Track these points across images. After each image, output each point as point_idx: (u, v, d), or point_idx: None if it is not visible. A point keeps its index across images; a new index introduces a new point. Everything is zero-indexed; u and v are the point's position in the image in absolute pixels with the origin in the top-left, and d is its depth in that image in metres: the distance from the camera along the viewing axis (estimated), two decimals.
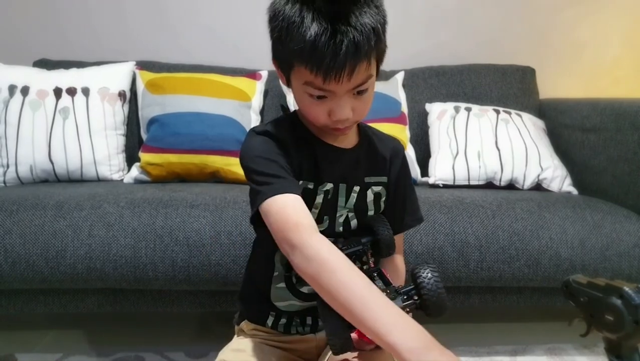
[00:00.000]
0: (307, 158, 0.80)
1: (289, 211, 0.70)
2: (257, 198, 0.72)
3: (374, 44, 0.69)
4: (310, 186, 0.80)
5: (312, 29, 0.65)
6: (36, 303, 1.24)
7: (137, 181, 1.54)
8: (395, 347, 0.56)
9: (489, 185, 1.61)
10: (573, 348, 1.39)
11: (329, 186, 0.82)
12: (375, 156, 0.88)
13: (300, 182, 0.79)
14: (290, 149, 0.78)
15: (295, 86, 0.75)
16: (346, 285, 0.62)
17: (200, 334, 1.49)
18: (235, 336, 0.92)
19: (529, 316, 1.59)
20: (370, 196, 0.86)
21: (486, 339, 1.44)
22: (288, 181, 0.73)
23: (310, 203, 0.80)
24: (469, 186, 1.60)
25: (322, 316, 0.65)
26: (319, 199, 0.81)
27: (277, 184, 0.72)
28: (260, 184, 0.73)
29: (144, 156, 1.54)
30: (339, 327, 0.63)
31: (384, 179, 0.88)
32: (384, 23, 0.71)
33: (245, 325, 0.91)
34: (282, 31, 0.69)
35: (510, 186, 1.62)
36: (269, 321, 0.87)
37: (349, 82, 0.69)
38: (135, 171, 1.55)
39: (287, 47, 0.70)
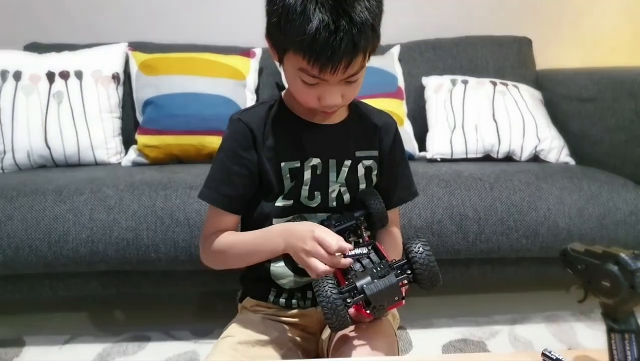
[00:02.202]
0: (287, 139, 0.83)
1: (208, 224, 0.87)
2: (203, 190, 0.85)
3: (370, 40, 0.70)
4: (297, 164, 0.83)
5: (314, 22, 0.65)
6: (41, 287, 1.25)
7: (135, 164, 1.54)
8: (278, 253, 0.79)
9: (487, 158, 1.62)
10: (571, 315, 1.42)
11: (316, 161, 0.83)
12: (366, 130, 0.89)
13: (283, 163, 0.83)
14: (265, 135, 0.83)
15: (288, 68, 0.76)
16: (233, 248, 0.83)
17: (204, 312, 1.51)
18: (239, 313, 0.94)
19: (528, 286, 1.62)
20: (361, 170, 0.87)
21: (486, 309, 1.46)
22: (221, 193, 0.83)
23: (299, 180, 0.83)
24: (466, 160, 1.60)
25: (317, 295, 0.66)
26: (307, 175, 0.83)
27: (215, 192, 0.84)
28: (209, 180, 0.85)
29: (141, 139, 1.53)
30: (335, 305, 0.64)
31: (375, 153, 0.89)
32: (381, 16, 0.72)
33: (247, 301, 0.92)
34: (281, 17, 0.69)
35: (508, 158, 1.62)
36: (271, 297, 0.88)
37: (344, 74, 0.71)
38: (132, 154, 1.55)
39: (285, 34, 0.70)
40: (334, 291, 0.65)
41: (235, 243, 0.84)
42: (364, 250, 0.74)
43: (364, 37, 0.68)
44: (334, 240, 0.72)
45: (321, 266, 0.71)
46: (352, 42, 0.67)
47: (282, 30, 0.70)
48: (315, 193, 0.85)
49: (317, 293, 0.66)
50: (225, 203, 0.83)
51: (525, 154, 1.60)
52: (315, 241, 0.72)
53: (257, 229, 0.83)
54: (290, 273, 0.86)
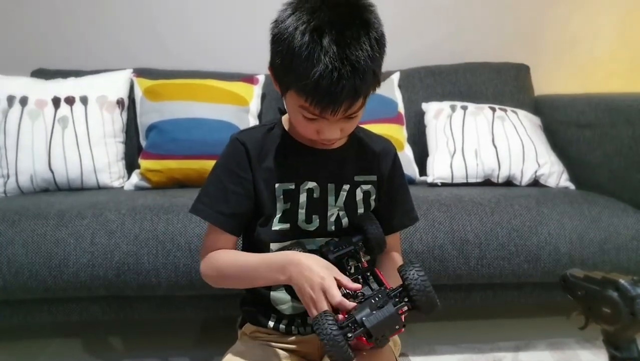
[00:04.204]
0: (284, 161, 0.84)
1: (206, 241, 0.86)
2: (196, 206, 0.85)
3: (371, 85, 0.73)
4: (292, 186, 0.84)
5: (318, 68, 0.67)
6: (40, 313, 1.24)
7: (138, 188, 1.55)
8: (280, 283, 0.78)
9: (487, 182, 1.62)
10: (575, 342, 1.40)
11: (312, 184, 0.84)
12: (365, 155, 0.90)
13: (277, 185, 0.83)
14: (262, 156, 0.84)
15: (290, 103, 0.77)
16: (233, 269, 0.82)
17: (203, 338, 1.50)
18: (239, 339, 0.93)
19: (531, 311, 1.60)
20: (359, 194, 0.87)
21: (488, 335, 1.44)
22: (215, 210, 0.83)
23: (295, 203, 0.84)
24: (467, 184, 1.61)
25: (317, 331, 0.65)
26: (303, 198, 0.84)
27: (209, 209, 0.84)
28: (202, 195, 0.85)
29: (144, 163, 1.55)
30: (337, 341, 0.63)
31: (374, 177, 0.89)
32: (383, 59, 0.74)
33: (247, 327, 0.92)
34: (285, 59, 0.71)
35: (508, 182, 1.63)
36: (271, 323, 0.88)
37: (344, 114, 0.73)
38: (135, 178, 1.56)
39: (289, 75, 0.71)
40: (333, 328, 0.64)
41: (236, 264, 0.83)
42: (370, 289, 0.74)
43: (365, 84, 0.70)
44: (338, 294, 0.71)
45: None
46: (353, 88, 0.69)
47: (286, 71, 0.72)
48: (313, 216, 0.85)
49: (317, 329, 0.65)
50: (219, 220, 0.83)
51: (526, 179, 1.61)
52: (322, 291, 0.71)
53: (260, 253, 0.83)
54: (291, 298, 0.86)
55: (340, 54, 0.67)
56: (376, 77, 0.73)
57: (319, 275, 0.72)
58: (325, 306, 0.70)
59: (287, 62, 0.70)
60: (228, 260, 0.83)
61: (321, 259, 0.76)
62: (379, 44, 0.72)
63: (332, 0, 0.70)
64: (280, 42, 0.71)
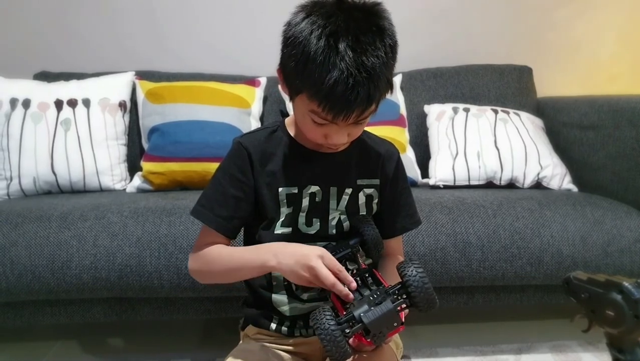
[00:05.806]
0: (287, 165, 0.84)
1: (199, 240, 0.86)
2: (197, 208, 0.85)
3: (384, 92, 0.73)
4: (295, 190, 0.84)
5: (333, 73, 0.66)
6: (43, 314, 1.24)
7: (140, 190, 1.55)
8: (267, 268, 0.77)
9: (489, 185, 1.62)
10: (578, 345, 1.40)
11: (314, 188, 0.84)
12: (368, 159, 0.89)
13: (281, 188, 0.83)
14: (264, 160, 0.84)
15: (299, 106, 0.76)
16: (222, 260, 0.82)
17: (206, 340, 1.50)
18: (241, 341, 0.94)
19: (533, 314, 1.60)
20: (362, 198, 0.87)
21: (491, 338, 1.44)
22: (215, 213, 0.84)
23: (297, 207, 0.84)
24: (469, 186, 1.61)
25: (315, 327, 0.65)
26: (305, 202, 0.84)
27: (209, 212, 0.84)
28: (203, 198, 0.86)
29: (146, 165, 1.55)
30: (334, 336, 0.63)
31: (376, 181, 0.89)
32: (394, 66, 0.74)
33: (250, 329, 0.92)
34: (299, 63, 0.70)
35: (511, 185, 1.63)
36: (273, 325, 0.88)
37: (354, 120, 0.73)
38: (137, 180, 1.57)
39: (302, 80, 0.71)
40: (331, 323, 0.64)
41: (224, 255, 0.83)
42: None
43: (379, 91, 0.70)
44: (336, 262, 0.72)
45: (331, 277, 0.71)
46: (367, 95, 0.68)
47: (299, 75, 0.71)
48: (314, 219, 0.85)
49: (315, 325, 0.65)
50: (218, 223, 0.83)
51: (528, 181, 1.60)
52: (320, 258, 0.72)
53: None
54: (293, 300, 0.86)
55: (357, 60, 0.66)
56: (389, 84, 0.73)
57: (307, 248, 0.74)
58: (324, 269, 0.70)
59: (301, 66, 0.69)
60: (215, 253, 0.83)
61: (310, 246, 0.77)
62: (393, 50, 0.72)
63: (348, 5, 0.70)
64: (294, 45, 0.70)
